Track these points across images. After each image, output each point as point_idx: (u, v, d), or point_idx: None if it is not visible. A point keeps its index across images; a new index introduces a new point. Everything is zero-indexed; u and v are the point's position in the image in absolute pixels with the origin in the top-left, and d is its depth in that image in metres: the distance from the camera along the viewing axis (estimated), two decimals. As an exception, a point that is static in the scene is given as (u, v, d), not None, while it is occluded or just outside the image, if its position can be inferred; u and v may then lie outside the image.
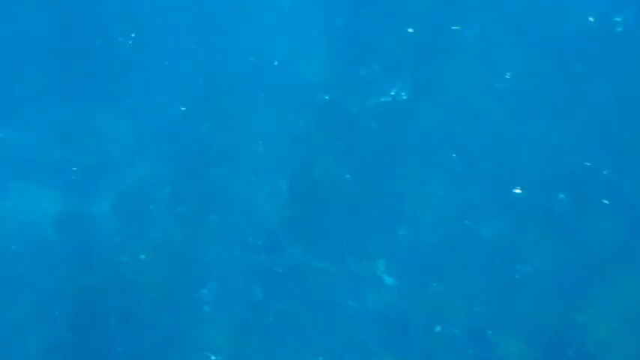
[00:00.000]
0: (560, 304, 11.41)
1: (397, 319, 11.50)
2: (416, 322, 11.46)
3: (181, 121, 13.48)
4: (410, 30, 13.82)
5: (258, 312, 11.65)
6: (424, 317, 11.49)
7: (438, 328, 11.40)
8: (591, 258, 11.74)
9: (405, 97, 13.46)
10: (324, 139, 13.12)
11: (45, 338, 11.46)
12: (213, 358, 11.41)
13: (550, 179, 12.46)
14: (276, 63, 13.77)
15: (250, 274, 11.95)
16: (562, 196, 12.30)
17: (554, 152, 12.65)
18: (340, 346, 11.32)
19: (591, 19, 13.62)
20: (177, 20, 14.37)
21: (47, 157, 13.18)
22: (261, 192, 12.71)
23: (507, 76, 13.48)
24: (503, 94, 13.36)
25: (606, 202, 12.11)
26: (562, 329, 11.20)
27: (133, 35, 14.16)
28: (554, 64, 13.41)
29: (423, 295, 11.68)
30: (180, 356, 11.35)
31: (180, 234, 12.35)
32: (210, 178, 12.87)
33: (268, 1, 14.44)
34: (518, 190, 12.39)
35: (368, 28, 14.07)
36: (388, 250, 12.09)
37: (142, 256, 12.08)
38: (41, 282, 11.87)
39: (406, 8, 14.19)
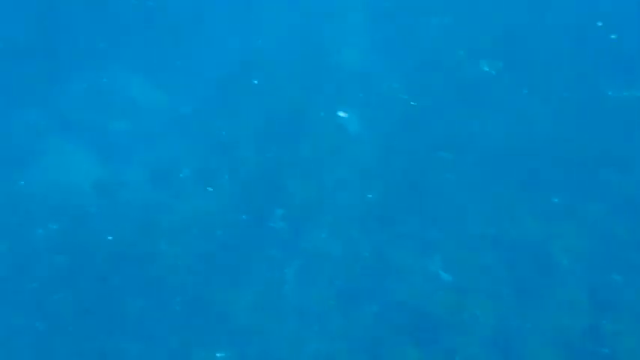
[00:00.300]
0: (590, 310, 11.36)
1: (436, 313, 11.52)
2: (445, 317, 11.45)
3: (221, 98, 13.56)
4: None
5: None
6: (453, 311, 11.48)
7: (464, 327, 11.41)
8: (624, 264, 11.71)
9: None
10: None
11: (72, 296, 11.52)
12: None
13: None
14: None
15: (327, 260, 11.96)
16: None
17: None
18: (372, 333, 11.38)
19: None
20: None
21: (86, 121, 13.24)
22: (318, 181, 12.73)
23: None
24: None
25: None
26: (592, 336, 11.14)
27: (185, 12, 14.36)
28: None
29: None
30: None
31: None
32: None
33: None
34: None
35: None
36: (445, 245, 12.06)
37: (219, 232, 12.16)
38: (72, 241, 11.93)
39: None
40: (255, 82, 13.70)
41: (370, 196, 12.49)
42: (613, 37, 14.14)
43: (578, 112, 13.29)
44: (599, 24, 14.28)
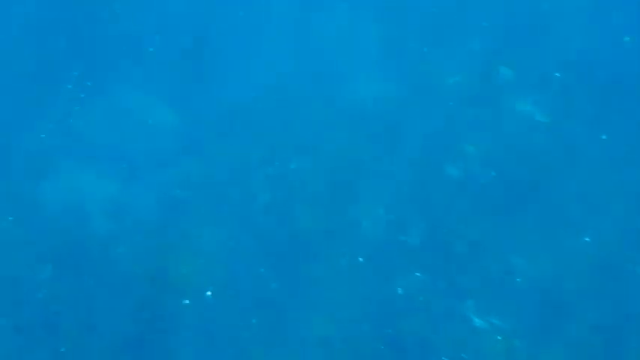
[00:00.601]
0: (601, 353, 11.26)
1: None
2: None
3: (236, 119, 13.52)
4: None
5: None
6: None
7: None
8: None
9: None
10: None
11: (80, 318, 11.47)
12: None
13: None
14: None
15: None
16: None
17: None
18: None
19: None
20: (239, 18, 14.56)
21: (99, 143, 13.23)
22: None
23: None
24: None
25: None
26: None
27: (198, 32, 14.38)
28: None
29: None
30: None
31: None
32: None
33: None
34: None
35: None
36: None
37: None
38: (83, 264, 11.88)
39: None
40: (272, 109, 13.73)
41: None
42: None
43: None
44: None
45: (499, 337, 11.36)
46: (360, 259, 12.12)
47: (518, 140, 13.34)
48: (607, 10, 14.77)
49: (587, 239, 12.29)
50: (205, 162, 13.09)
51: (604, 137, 13.39)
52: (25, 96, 13.65)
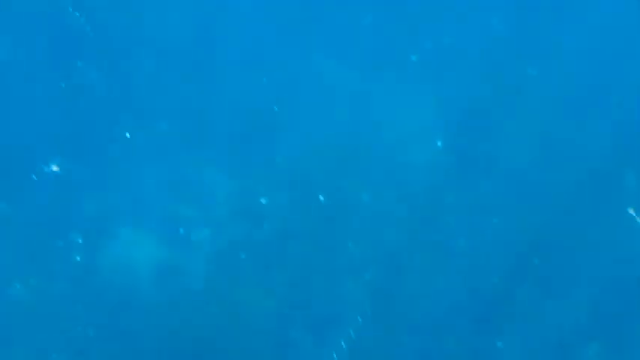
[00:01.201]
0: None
1: None
2: None
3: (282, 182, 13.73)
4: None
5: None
6: None
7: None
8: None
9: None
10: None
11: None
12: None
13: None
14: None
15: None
16: None
17: None
18: None
19: None
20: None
21: (155, 208, 13.53)
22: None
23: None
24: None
25: None
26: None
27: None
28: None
29: None
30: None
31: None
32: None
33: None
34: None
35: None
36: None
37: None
38: (136, 328, 12.33)
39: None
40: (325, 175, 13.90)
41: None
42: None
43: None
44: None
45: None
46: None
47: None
48: None
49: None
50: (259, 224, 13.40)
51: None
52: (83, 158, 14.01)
